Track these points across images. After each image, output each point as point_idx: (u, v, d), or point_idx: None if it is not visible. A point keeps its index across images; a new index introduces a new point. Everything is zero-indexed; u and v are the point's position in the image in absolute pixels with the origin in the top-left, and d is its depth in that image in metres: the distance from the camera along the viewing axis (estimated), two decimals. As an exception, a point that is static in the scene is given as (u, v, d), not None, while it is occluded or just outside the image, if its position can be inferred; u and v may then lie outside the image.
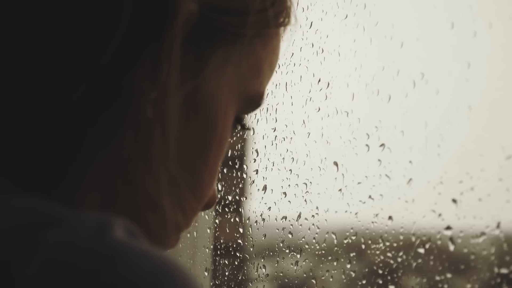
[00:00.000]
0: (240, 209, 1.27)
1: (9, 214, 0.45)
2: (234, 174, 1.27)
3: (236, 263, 1.28)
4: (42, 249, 0.41)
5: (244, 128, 0.68)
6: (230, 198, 1.29)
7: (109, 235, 0.44)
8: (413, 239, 0.82)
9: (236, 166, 1.26)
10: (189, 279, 0.44)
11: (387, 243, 0.87)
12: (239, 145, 1.25)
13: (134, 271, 0.42)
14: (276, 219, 1.12)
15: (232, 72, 0.60)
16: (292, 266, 1.09)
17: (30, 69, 0.52)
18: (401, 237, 0.85)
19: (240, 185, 1.26)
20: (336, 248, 0.98)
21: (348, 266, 0.96)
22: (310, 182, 1.03)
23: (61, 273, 0.41)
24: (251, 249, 1.22)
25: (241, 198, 1.26)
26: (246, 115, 0.67)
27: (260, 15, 0.60)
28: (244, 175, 1.23)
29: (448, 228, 0.77)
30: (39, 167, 0.53)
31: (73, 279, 0.41)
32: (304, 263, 1.07)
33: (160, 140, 0.53)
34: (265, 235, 1.17)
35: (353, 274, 0.95)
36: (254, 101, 0.65)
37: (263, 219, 1.16)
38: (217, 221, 1.35)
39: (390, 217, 0.86)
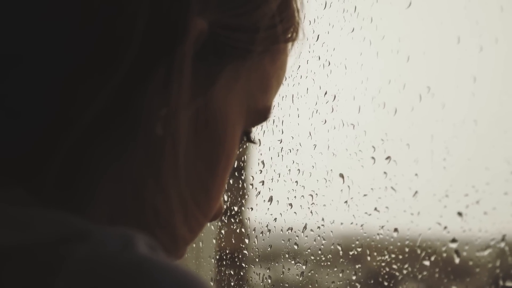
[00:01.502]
0: (245, 220, 1.27)
1: (34, 229, 0.45)
2: (240, 185, 1.27)
3: (241, 273, 1.28)
4: (65, 268, 0.42)
5: (251, 141, 0.68)
6: (235, 208, 1.29)
7: (134, 251, 0.44)
8: (419, 251, 0.82)
9: (242, 177, 1.26)
10: None
11: (393, 255, 0.87)
12: (245, 156, 1.26)
13: (160, 287, 0.43)
14: (281, 230, 1.12)
15: (241, 88, 0.61)
16: (297, 277, 1.09)
17: (41, 84, 0.52)
18: (407, 249, 0.85)
19: (246, 196, 1.26)
20: (341, 260, 0.98)
21: (354, 277, 0.96)
22: (316, 194, 1.03)
23: None
24: (257, 259, 1.22)
25: (247, 209, 1.26)
26: (252, 128, 0.67)
27: (269, 31, 0.60)
28: (250, 186, 1.24)
29: (454, 240, 0.77)
30: (53, 181, 0.53)
31: None
32: (309, 274, 1.07)
33: (170, 156, 0.54)
34: (270, 246, 1.17)
35: (358, 286, 0.95)
36: (262, 115, 0.65)
37: (269, 230, 1.16)
38: (222, 231, 1.35)
39: (395, 229, 0.86)
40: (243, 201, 1.26)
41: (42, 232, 0.45)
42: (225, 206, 1.28)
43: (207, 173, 0.61)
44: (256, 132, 1.16)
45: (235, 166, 1.25)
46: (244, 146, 1.24)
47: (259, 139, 1.17)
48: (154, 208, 0.56)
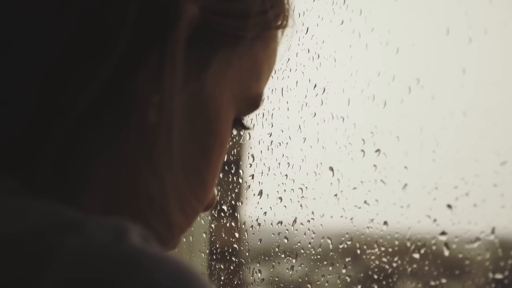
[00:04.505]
0: (236, 214, 1.26)
1: (27, 219, 0.45)
2: (230, 179, 1.26)
3: (231, 267, 1.28)
4: (57, 259, 0.42)
5: (244, 127, 0.68)
6: (226, 202, 1.29)
7: (126, 242, 0.44)
8: (408, 244, 0.82)
9: (232, 171, 1.26)
10: (205, 285, 0.45)
11: (382, 248, 0.87)
12: (235, 150, 1.25)
13: (152, 278, 0.42)
14: (271, 224, 1.12)
15: (233, 74, 0.61)
16: (287, 270, 1.09)
17: (27, 73, 0.52)
18: (396, 242, 0.85)
19: (236, 190, 1.26)
20: (331, 253, 0.98)
21: (344, 271, 0.96)
22: (306, 187, 1.03)
23: (80, 284, 0.41)
24: (247, 253, 1.22)
25: (237, 203, 1.26)
26: (244, 116, 0.67)
27: (260, 17, 0.60)
28: (240, 180, 1.23)
29: (443, 233, 0.77)
30: (45, 169, 0.53)
31: None
32: (299, 267, 1.07)
33: (164, 142, 0.54)
34: (260, 240, 1.17)
35: (348, 279, 0.95)
36: (254, 102, 0.65)
37: (259, 224, 1.16)
38: (213, 225, 1.35)
39: (385, 222, 0.86)
40: (233, 195, 1.26)
41: (31, 222, 0.45)
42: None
43: (201, 159, 0.61)
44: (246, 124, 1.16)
45: (225, 160, 1.25)
46: (234, 140, 1.24)
47: (249, 133, 1.17)
48: (149, 195, 0.56)
